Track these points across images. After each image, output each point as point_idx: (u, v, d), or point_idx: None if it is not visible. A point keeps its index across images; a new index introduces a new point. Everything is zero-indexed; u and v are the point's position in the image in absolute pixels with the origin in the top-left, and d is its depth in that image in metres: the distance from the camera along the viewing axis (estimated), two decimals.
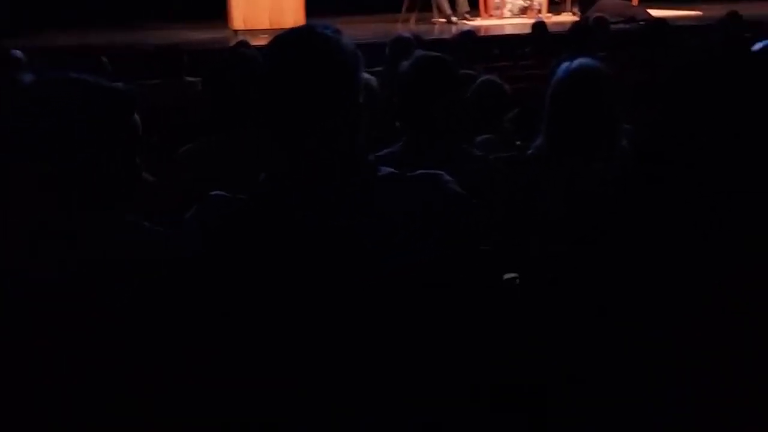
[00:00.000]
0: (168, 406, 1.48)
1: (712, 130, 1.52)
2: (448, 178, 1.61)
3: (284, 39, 1.56)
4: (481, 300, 1.67)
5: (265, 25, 10.31)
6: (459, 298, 1.59)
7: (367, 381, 1.50)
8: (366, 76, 2.88)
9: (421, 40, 6.89)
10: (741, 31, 6.79)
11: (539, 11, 12.26)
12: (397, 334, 1.51)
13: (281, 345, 1.49)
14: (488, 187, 2.46)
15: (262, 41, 7.56)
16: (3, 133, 1.56)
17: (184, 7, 12.10)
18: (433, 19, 11.92)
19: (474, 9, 12.28)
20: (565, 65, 2.51)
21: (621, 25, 9.90)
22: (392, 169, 1.59)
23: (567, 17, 11.99)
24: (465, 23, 11.53)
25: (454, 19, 11.79)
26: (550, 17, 11.80)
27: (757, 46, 2.84)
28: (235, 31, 10.70)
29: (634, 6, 11.70)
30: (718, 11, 8.55)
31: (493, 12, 12.35)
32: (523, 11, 12.35)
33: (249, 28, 10.55)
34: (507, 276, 1.94)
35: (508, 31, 10.89)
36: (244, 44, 6.56)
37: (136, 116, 1.68)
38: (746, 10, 8.15)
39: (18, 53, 5.93)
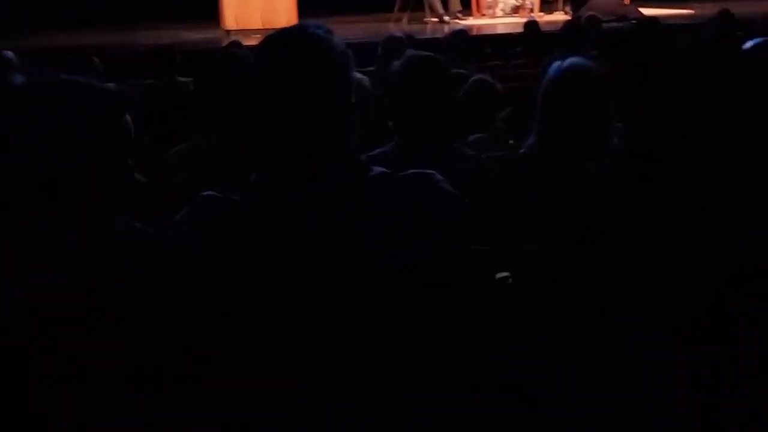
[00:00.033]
0: (167, 406, 1.48)
1: (703, 129, 1.52)
2: (439, 177, 1.61)
3: (275, 39, 1.56)
4: (476, 300, 1.67)
5: (258, 25, 10.30)
6: (453, 297, 1.59)
7: (366, 381, 1.50)
8: (358, 75, 2.88)
9: (414, 39, 6.89)
10: (733, 29, 6.80)
11: (531, 10, 12.27)
12: (393, 334, 1.51)
13: (278, 344, 1.49)
14: (480, 187, 2.46)
15: (254, 41, 7.54)
16: None
17: (177, 8, 12.08)
18: (425, 19, 11.93)
19: (466, 8, 12.28)
20: (556, 64, 2.52)
21: (613, 24, 9.91)
22: (384, 169, 1.59)
23: (559, 16, 11.99)
24: (457, 22, 11.53)
25: (446, 18, 11.80)
26: (542, 16, 11.81)
27: (749, 45, 2.84)
28: (228, 31, 10.69)
29: (626, 5, 11.72)
30: (710, 10, 8.56)
31: (485, 11, 12.36)
32: (515, 10, 12.36)
33: (241, 28, 10.54)
34: (499, 275, 1.93)
35: (500, 30, 10.90)
36: (236, 44, 6.56)
37: (128, 117, 1.67)
38: (738, 9, 8.17)
39: (9, 54, 5.91)
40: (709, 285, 1.44)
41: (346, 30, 9.98)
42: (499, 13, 12.38)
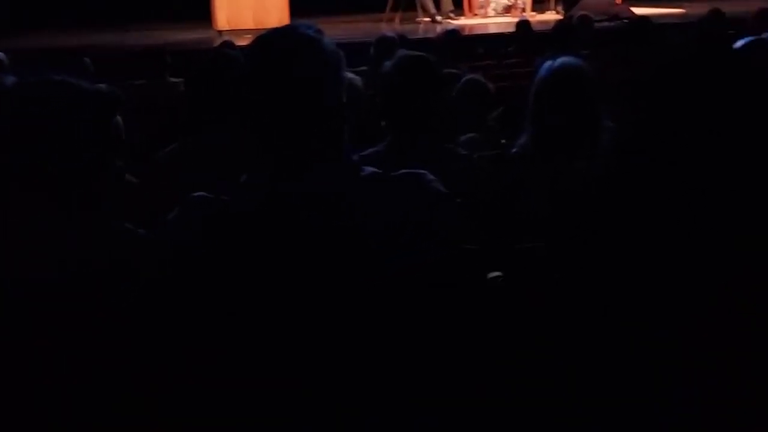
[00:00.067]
0: (167, 407, 1.48)
1: (694, 128, 1.53)
2: (431, 177, 1.61)
3: (265, 39, 1.56)
4: (470, 299, 1.67)
5: (249, 25, 10.28)
6: (447, 297, 1.58)
7: (371, 381, 1.50)
8: (350, 75, 2.88)
9: (406, 39, 6.89)
10: (724, 28, 6.81)
11: (523, 10, 12.28)
12: (390, 334, 1.51)
13: (277, 344, 1.49)
14: (473, 186, 2.46)
15: (246, 41, 7.53)
16: None
17: (169, 8, 12.06)
18: (417, 19, 11.93)
19: (458, 8, 12.29)
20: (547, 64, 2.52)
21: (604, 24, 9.92)
22: (375, 169, 1.59)
23: (551, 16, 12.01)
24: (449, 22, 11.53)
25: (438, 18, 11.80)
26: (534, 16, 11.82)
27: (739, 43, 2.86)
28: (219, 32, 10.67)
29: (617, 4, 11.74)
30: (702, 9, 8.58)
31: (477, 11, 12.37)
32: (507, 10, 12.37)
33: (233, 28, 10.53)
34: (491, 275, 1.94)
35: (493, 30, 10.90)
36: (228, 45, 6.55)
37: (118, 118, 1.67)
38: (730, 8, 8.19)
39: (0, 55, 5.89)
40: (700, 283, 1.44)
41: (338, 30, 9.98)
42: (491, 12, 12.39)
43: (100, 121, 1.62)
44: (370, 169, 1.58)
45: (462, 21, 11.89)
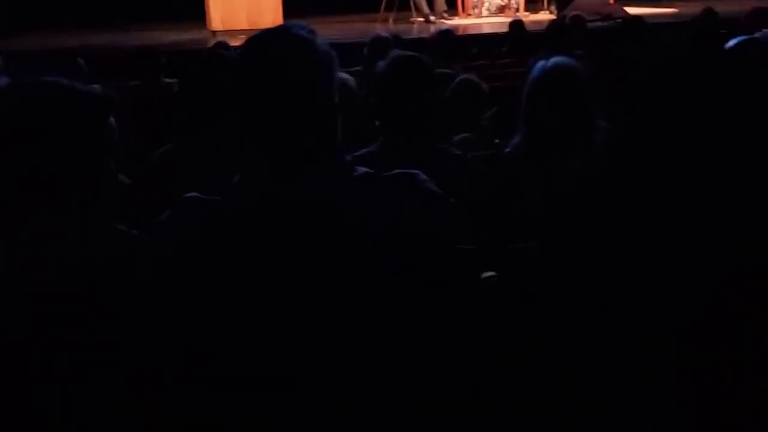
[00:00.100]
0: (166, 407, 1.48)
1: (687, 127, 1.53)
2: (424, 177, 1.61)
3: (258, 39, 1.56)
4: (465, 299, 1.67)
5: (243, 26, 10.28)
6: (442, 297, 1.59)
7: (366, 381, 1.50)
8: (344, 75, 2.88)
9: (400, 39, 6.89)
10: (717, 28, 6.83)
11: (516, 10, 12.30)
12: (387, 334, 1.51)
13: (274, 344, 1.49)
14: (466, 186, 2.46)
15: (240, 42, 7.52)
16: None
17: (163, 9, 12.04)
18: (411, 19, 11.94)
19: (451, 8, 12.30)
20: (540, 64, 2.52)
21: (597, 23, 9.93)
22: (368, 169, 1.59)
23: (544, 16, 12.03)
24: (443, 22, 11.55)
25: (432, 18, 11.81)
26: (528, 16, 11.85)
27: (731, 43, 2.86)
28: (213, 32, 10.67)
29: (610, 4, 11.76)
30: (695, 8, 8.59)
31: (470, 11, 12.38)
32: (501, 10, 12.39)
33: (227, 28, 10.53)
34: (485, 274, 1.94)
35: (486, 30, 10.91)
36: (223, 45, 6.55)
37: (112, 119, 1.67)
38: (723, 7, 8.21)
39: None
40: (694, 283, 1.45)
41: (332, 30, 9.98)
42: (484, 12, 12.40)
43: (94, 123, 1.62)
44: (362, 169, 1.58)
45: (456, 21, 11.91)
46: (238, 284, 1.49)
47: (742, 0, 9.15)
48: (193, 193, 1.56)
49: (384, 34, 6.78)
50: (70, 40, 10.32)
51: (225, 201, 1.53)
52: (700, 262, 1.45)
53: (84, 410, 1.48)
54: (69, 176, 1.57)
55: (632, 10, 10.77)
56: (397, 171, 1.61)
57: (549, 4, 12.63)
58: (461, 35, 9.90)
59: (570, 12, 9.45)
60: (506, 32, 8.44)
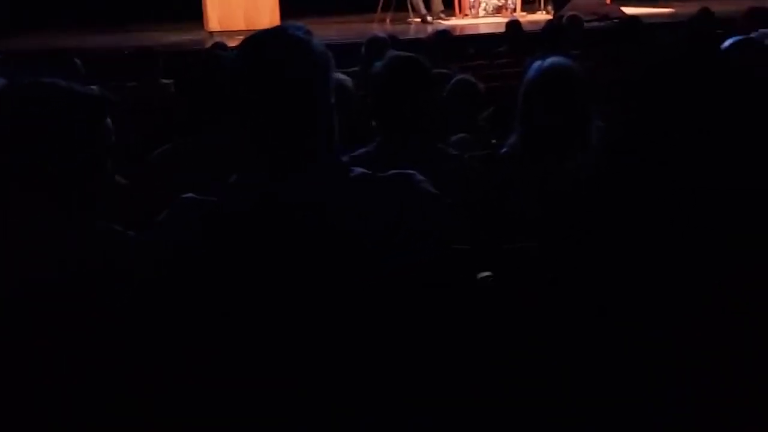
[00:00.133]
0: (165, 408, 1.48)
1: (684, 127, 1.53)
2: (420, 177, 1.62)
3: (254, 40, 1.56)
4: (460, 300, 1.68)
5: (241, 27, 10.26)
6: (437, 297, 1.59)
7: (365, 381, 1.50)
8: (341, 76, 2.88)
9: (397, 39, 6.89)
10: (713, 28, 6.84)
11: (513, 10, 12.30)
12: (384, 334, 1.51)
13: (274, 344, 1.49)
14: (463, 186, 2.46)
15: (238, 42, 7.50)
16: None
17: (160, 9, 12.03)
18: (408, 19, 11.93)
19: (448, 8, 12.30)
20: (536, 64, 2.52)
21: (594, 24, 9.94)
22: (364, 170, 1.59)
23: (541, 16, 12.03)
24: (440, 23, 11.54)
25: (429, 18, 11.80)
26: (525, 16, 11.84)
27: (727, 43, 2.87)
28: (211, 33, 10.65)
29: (607, 4, 11.76)
30: (692, 8, 8.61)
31: (467, 11, 12.37)
32: (498, 10, 12.38)
33: (225, 29, 10.51)
34: (481, 275, 1.94)
35: (483, 30, 10.90)
36: (220, 46, 6.54)
37: (108, 120, 1.67)
38: (720, 7, 8.22)
39: None
40: (691, 282, 1.45)
41: (330, 30, 9.98)
42: (481, 13, 12.40)
43: (91, 123, 1.62)
44: (359, 169, 1.59)
45: (453, 21, 11.90)
46: (236, 284, 1.49)
47: (739, 0, 9.16)
48: (190, 194, 1.56)
49: (381, 34, 6.78)
50: (68, 40, 10.30)
51: (221, 201, 1.53)
52: (698, 262, 1.45)
53: (83, 410, 1.48)
54: (66, 177, 1.57)
55: (629, 10, 10.78)
56: (394, 171, 1.61)
57: (546, 4, 12.63)
58: (458, 35, 9.89)
59: (567, 12, 9.45)
60: (503, 32, 8.43)
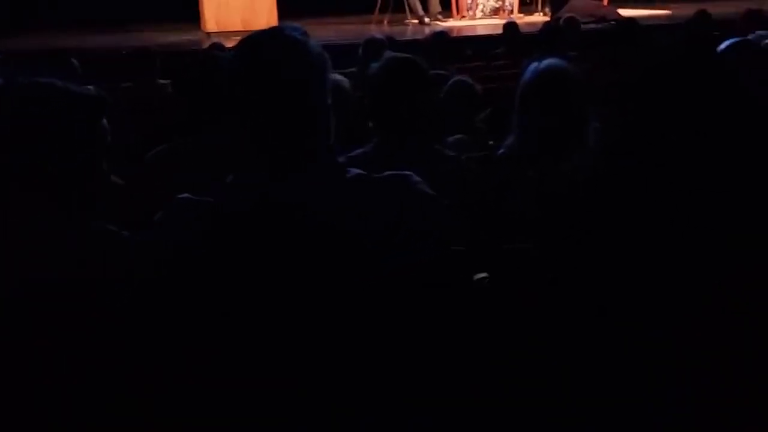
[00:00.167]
0: (165, 408, 1.48)
1: (680, 129, 1.54)
2: (417, 178, 1.62)
3: (251, 41, 1.56)
4: (457, 301, 1.68)
5: (238, 27, 10.26)
6: (433, 298, 1.59)
7: (365, 382, 1.50)
8: (338, 77, 2.88)
9: (394, 41, 6.90)
10: (710, 30, 6.85)
11: (511, 12, 12.31)
12: (377, 335, 1.51)
13: (266, 344, 1.49)
14: (460, 187, 2.46)
15: (235, 43, 7.50)
16: None
17: (158, 10, 12.02)
18: (406, 21, 11.93)
19: (446, 10, 12.30)
20: (533, 66, 2.53)
21: (591, 25, 9.95)
22: (360, 171, 1.59)
23: (538, 18, 12.04)
24: (437, 24, 11.55)
25: (426, 20, 11.81)
26: (522, 18, 11.85)
27: (724, 45, 2.87)
28: (208, 33, 10.65)
29: (604, 6, 11.77)
30: (689, 10, 8.62)
31: (465, 13, 12.38)
32: (495, 12, 12.39)
33: (222, 30, 10.50)
34: (477, 276, 1.94)
35: (480, 31, 10.92)
36: (218, 46, 6.54)
37: (105, 121, 1.67)
38: (717, 9, 8.23)
39: None
40: (688, 283, 1.45)
41: (327, 31, 9.98)
42: (478, 14, 12.41)
43: (87, 123, 1.62)
44: (355, 170, 1.59)
45: (450, 23, 11.91)
46: (231, 285, 1.49)
47: (737, 2, 9.18)
48: (186, 194, 1.56)
49: (378, 35, 6.79)
50: (65, 40, 10.29)
51: (217, 202, 1.53)
52: (695, 262, 1.45)
53: (81, 410, 1.48)
54: (62, 177, 1.57)
55: (626, 12, 10.79)
56: (390, 172, 1.61)
57: (543, 6, 12.64)
58: (455, 37, 9.89)
59: (564, 14, 9.45)
60: (500, 34, 8.44)
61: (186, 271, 1.49)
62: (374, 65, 2.70)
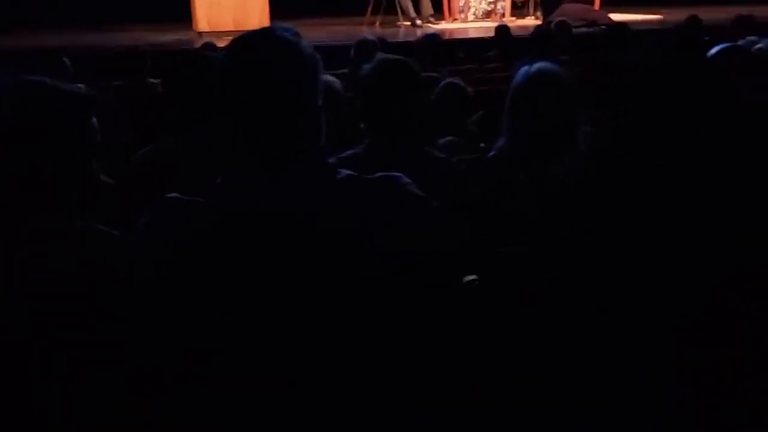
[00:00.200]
0: (164, 408, 1.48)
1: (670, 132, 1.54)
2: (407, 180, 1.62)
3: (242, 41, 1.56)
4: (447, 302, 1.68)
5: (230, 27, 10.25)
6: (424, 299, 1.59)
7: (365, 382, 1.50)
8: (329, 78, 2.88)
9: (386, 42, 6.90)
10: (700, 35, 6.88)
11: (503, 15, 12.34)
12: (375, 335, 1.51)
13: (263, 344, 1.49)
14: (451, 189, 2.47)
15: (227, 43, 7.49)
16: None
17: (150, 9, 12.00)
18: (398, 22, 11.95)
19: (438, 12, 12.33)
20: (524, 69, 2.53)
21: (583, 29, 9.98)
22: (351, 172, 1.59)
23: (530, 21, 12.08)
24: (429, 26, 11.57)
25: (418, 22, 11.83)
26: (514, 21, 11.89)
27: (713, 50, 2.88)
28: (200, 33, 10.64)
29: (595, 10, 11.82)
30: (680, 15, 8.66)
31: (457, 15, 12.41)
32: (487, 15, 12.43)
33: (213, 29, 10.49)
34: (467, 278, 1.94)
35: (472, 34, 10.95)
36: (210, 46, 6.53)
37: (94, 119, 1.67)
38: (708, 14, 8.27)
39: None
40: (685, 283, 1.46)
41: (319, 32, 9.98)
42: (470, 17, 12.44)
43: (76, 122, 1.62)
44: (345, 171, 1.59)
45: (442, 25, 11.94)
46: (220, 284, 1.48)
47: (727, 7, 9.22)
48: (174, 194, 1.56)
49: (370, 37, 6.78)
50: (57, 39, 10.27)
51: (207, 202, 1.53)
52: (689, 263, 1.46)
53: (81, 410, 1.47)
54: (50, 176, 1.56)
55: (617, 17, 10.83)
56: (380, 174, 1.61)
57: (535, 9, 12.69)
58: (447, 39, 9.90)
59: (555, 18, 9.49)
60: (492, 37, 8.46)
61: (176, 272, 1.49)
62: (366, 67, 2.69)
